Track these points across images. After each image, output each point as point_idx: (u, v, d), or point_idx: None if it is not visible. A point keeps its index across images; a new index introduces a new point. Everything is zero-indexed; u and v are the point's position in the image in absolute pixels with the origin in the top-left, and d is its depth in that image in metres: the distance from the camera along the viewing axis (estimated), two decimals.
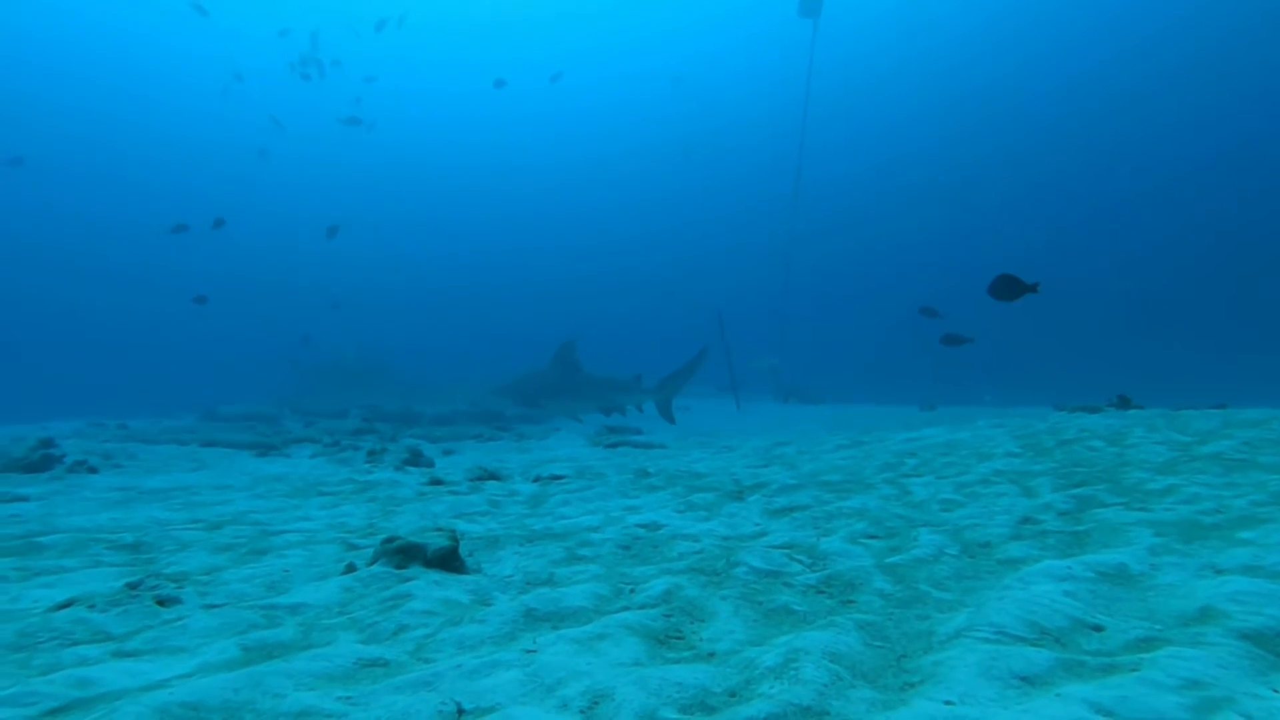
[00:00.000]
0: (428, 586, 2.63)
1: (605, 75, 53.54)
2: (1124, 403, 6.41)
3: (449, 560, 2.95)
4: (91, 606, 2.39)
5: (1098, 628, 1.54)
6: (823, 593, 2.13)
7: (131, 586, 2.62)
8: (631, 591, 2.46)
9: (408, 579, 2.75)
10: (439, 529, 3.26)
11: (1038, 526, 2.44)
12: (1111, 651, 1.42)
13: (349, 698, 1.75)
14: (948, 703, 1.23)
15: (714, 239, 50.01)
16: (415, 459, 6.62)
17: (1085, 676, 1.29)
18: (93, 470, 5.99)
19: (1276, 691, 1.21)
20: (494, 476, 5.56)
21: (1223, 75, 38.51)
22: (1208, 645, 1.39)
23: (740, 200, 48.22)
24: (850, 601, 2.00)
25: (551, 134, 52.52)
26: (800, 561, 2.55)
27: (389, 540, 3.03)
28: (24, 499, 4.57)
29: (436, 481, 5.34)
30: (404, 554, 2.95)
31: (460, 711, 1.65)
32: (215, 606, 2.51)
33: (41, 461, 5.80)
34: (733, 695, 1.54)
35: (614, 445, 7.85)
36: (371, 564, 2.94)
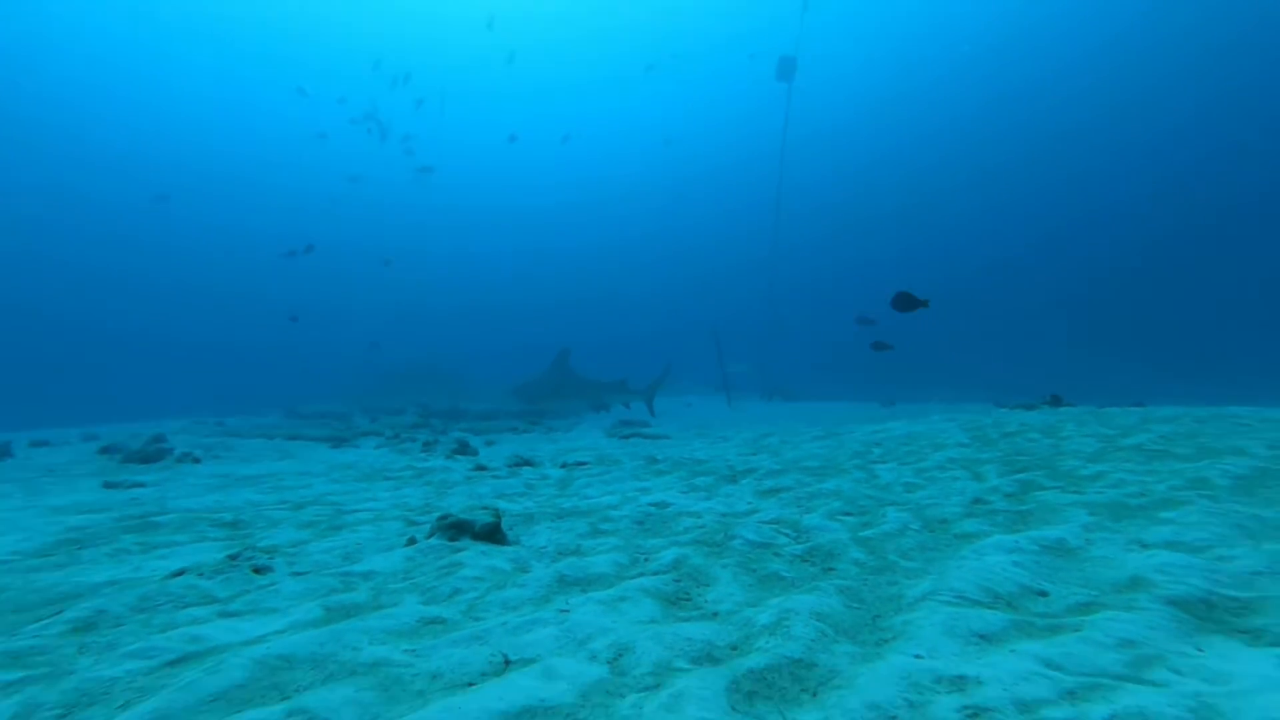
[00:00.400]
0: (476, 556, 2.63)
1: (608, 132, 54.06)
2: (1056, 401, 6.33)
3: (493, 534, 2.95)
4: (200, 574, 2.40)
5: (1043, 593, 1.51)
6: (807, 561, 2.12)
7: (232, 557, 2.64)
8: (646, 560, 2.45)
9: (459, 550, 2.75)
10: (485, 508, 3.26)
11: (987, 506, 2.40)
12: (1056, 614, 1.40)
13: (414, 650, 1.75)
14: (917, 656, 1.22)
15: (707, 262, 49.99)
16: (463, 449, 6.63)
17: (1035, 635, 1.27)
18: (196, 461, 6.03)
19: (1200, 650, 1.19)
20: (528, 463, 5.56)
21: (1144, 101, 38.02)
22: (1139, 610, 1.36)
23: (729, 230, 48.29)
24: (831, 569, 1.98)
25: (572, 178, 52.95)
26: (787, 535, 2.54)
27: (443, 517, 3.04)
28: (141, 485, 4.61)
29: (481, 468, 5.34)
30: (456, 528, 2.95)
31: (507, 662, 1.65)
32: (301, 574, 2.52)
33: (155, 454, 5.84)
34: (734, 649, 1.53)
35: (627, 437, 7.84)
36: (429, 537, 2.95)
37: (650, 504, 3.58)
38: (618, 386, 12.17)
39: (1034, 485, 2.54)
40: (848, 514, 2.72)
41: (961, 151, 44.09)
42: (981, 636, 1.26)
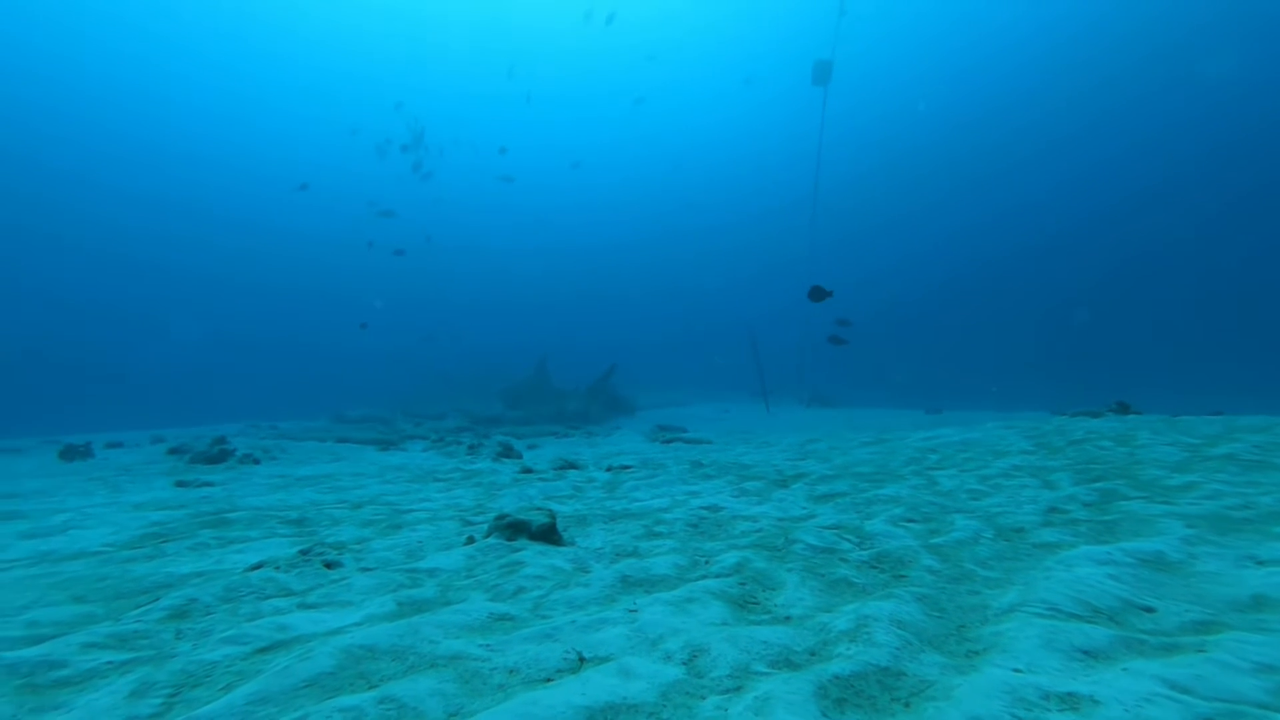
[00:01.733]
0: (535, 555, 2.67)
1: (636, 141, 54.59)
2: (1123, 408, 6.01)
3: (549, 534, 2.99)
4: (276, 568, 2.50)
5: (1149, 609, 1.43)
6: (876, 568, 2.08)
7: (303, 553, 2.74)
8: (706, 563, 2.45)
9: (518, 549, 2.79)
10: (539, 509, 3.31)
11: (1065, 515, 2.30)
12: (1168, 632, 1.31)
13: (488, 645, 1.79)
14: (1016, 670, 1.17)
15: (747, 267, 49.65)
16: (507, 452, 6.73)
17: (1148, 654, 1.19)
18: (256, 462, 6.28)
19: None
20: (574, 466, 5.61)
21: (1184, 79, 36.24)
22: (1272, 632, 1.27)
23: (768, 235, 47.97)
24: (902, 576, 1.94)
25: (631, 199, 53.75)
26: (849, 540, 2.50)
27: (500, 517, 3.09)
28: (210, 484, 4.82)
29: (527, 470, 5.41)
30: (513, 528, 3.00)
31: (581, 659, 1.67)
32: (369, 570, 2.60)
33: (219, 455, 6.11)
34: (813, 654, 1.51)
35: (669, 442, 7.83)
36: (487, 536, 3.00)
37: (702, 507, 3.57)
38: (571, 393, 13.61)
39: (1115, 495, 2.42)
40: (911, 520, 2.66)
41: (998, 149, 42.83)
42: (1086, 652, 1.20)
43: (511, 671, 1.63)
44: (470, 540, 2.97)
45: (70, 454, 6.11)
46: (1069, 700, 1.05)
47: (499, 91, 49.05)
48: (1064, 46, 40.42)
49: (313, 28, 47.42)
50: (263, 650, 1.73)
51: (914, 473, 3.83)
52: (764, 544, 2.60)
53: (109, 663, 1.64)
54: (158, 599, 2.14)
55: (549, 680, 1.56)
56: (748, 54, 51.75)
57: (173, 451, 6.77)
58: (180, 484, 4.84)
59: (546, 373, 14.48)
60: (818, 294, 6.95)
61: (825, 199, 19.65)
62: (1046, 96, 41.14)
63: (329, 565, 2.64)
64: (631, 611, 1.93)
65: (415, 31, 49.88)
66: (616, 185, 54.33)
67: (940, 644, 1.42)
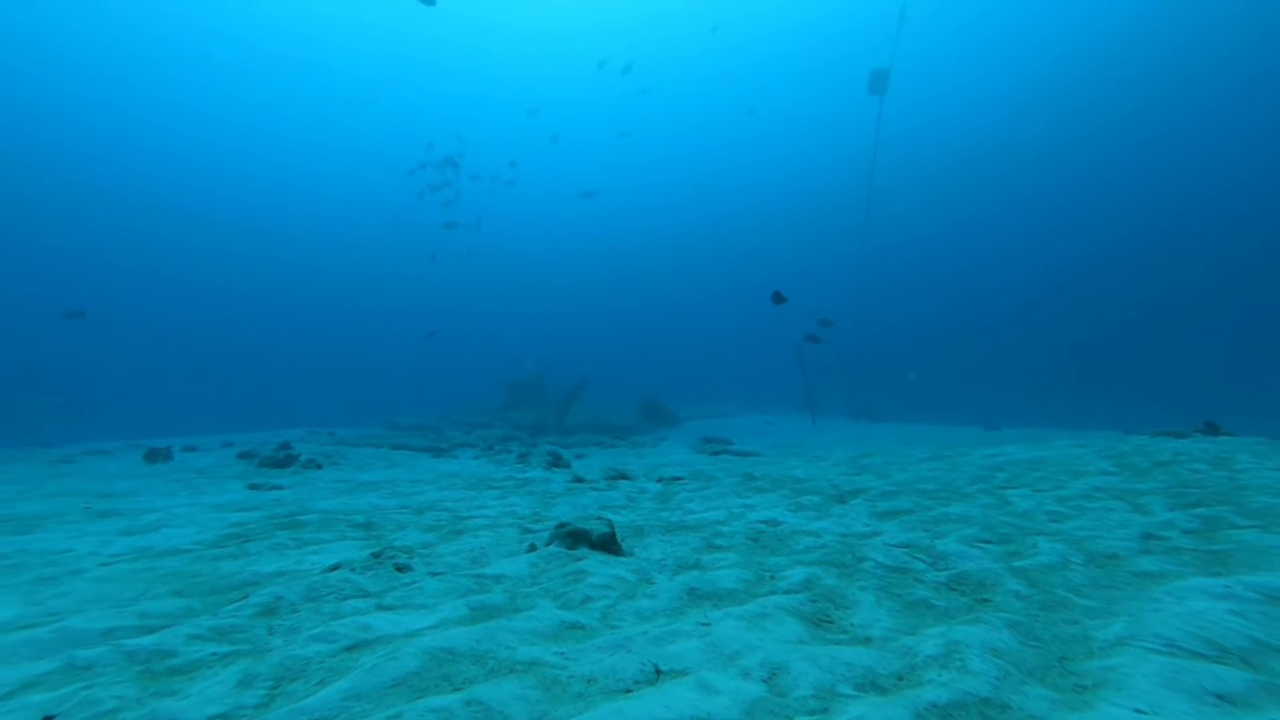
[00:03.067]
0: (597, 565, 2.69)
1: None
2: (1212, 429, 5.58)
3: (609, 544, 3.00)
4: (352, 569, 2.60)
5: None
6: (955, 590, 2.01)
7: (375, 556, 2.84)
8: (772, 578, 2.41)
9: (579, 558, 2.82)
10: (597, 518, 3.33)
11: (1165, 543, 2.16)
12: None
13: (563, 653, 1.81)
14: (1139, 711, 1.09)
15: (796, 280, 49.09)
16: (557, 461, 6.81)
17: None
18: (318, 467, 6.54)
19: None
20: (624, 476, 5.63)
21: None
22: None
23: (818, 242, 47.41)
24: (986, 600, 1.87)
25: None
26: (922, 560, 2.42)
27: (560, 526, 3.13)
28: (279, 487, 5.05)
29: (579, 480, 5.46)
30: (573, 537, 3.03)
31: (658, 671, 1.67)
32: (438, 574, 2.67)
33: (285, 460, 6.39)
34: (900, 679, 1.47)
35: (716, 454, 7.77)
36: (548, 544, 3.04)
37: (760, 521, 3.53)
38: (546, 397, 15.54)
39: (1222, 523, 2.25)
40: (987, 541, 2.55)
41: (1056, 158, 41.19)
42: (1220, 697, 1.10)
43: (589, 680, 1.64)
44: (532, 548, 3.02)
45: (153, 457, 6.51)
46: None
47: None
48: (1130, 54, 38.84)
49: (361, 40, 49.81)
50: (350, 648, 1.80)
51: (982, 491, 3.68)
52: (831, 560, 2.55)
53: (213, 654, 1.74)
54: (248, 596, 2.26)
55: (628, 691, 1.57)
56: (797, 58, 51.74)
57: (242, 456, 7.13)
58: (252, 487, 5.09)
59: (541, 380, 16.46)
60: (777, 298, 7.82)
61: (877, 207, 19.29)
62: (1112, 106, 39.47)
63: (400, 569, 2.72)
64: (704, 625, 1.92)
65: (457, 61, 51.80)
66: (658, 199, 54.82)
67: (1042, 676, 1.35)
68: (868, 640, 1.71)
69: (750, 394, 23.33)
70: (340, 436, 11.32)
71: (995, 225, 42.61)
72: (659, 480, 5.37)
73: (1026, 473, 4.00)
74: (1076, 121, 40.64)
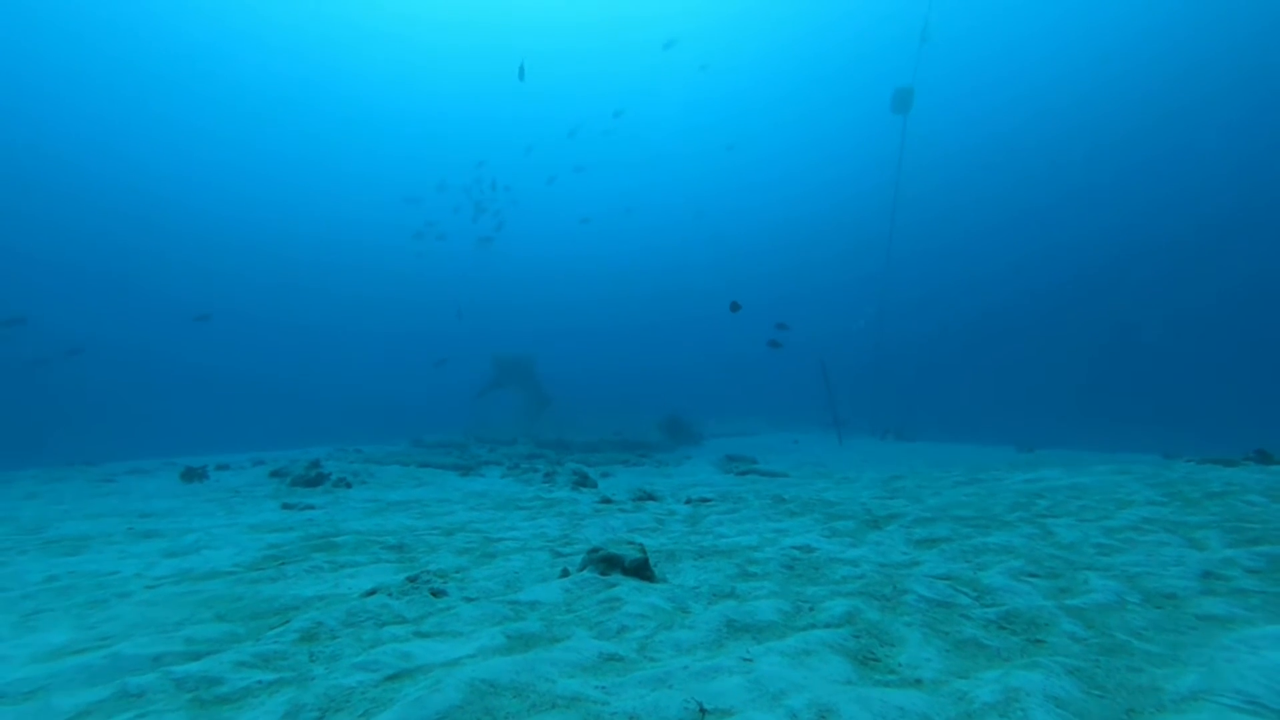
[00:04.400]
0: (631, 592, 2.67)
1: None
2: (1264, 457, 5.31)
3: (642, 569, 2.98)
4: (389, 594, 2.62)
5: None
6: (1005, 629, 1.94)
7: (411, 580, 2.86)
8: (811, 610, 2.37)
9: (613, 584, 2.80)
10: (629, 542, 3.32)
11: (1228, 583, 2.06)
12: None
13: (603, 688, 1.80)
14: None
15: (820, 298, 48.78)
16: (583, 481, 6.81)
17: None
18: (348, 485, 6.63)
19: None
20: (651, 497, 5.60)
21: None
22: None
23: (840, 257, 47.21)
24: (1039, 641, 1.81)
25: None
26: (966, 594, 2.35)
27: (593, 550, 3.12)
28: (312, 507, 5.13)
29: (606, 500, 5.45)
30: (606, 562, 3.02)
31: (702, 710, 1.64)
32: (472, 599, 2.67)
33: (316, 479, 6.49)
34: None
35: (743, 473, 7.69)
36: (581, 569, 3.03)
37: (793, 547, 3.47)
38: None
39: None
40: (1034, 575, 2.48)
41: (1077, 173, 40.55)
42: None
43: (632, 718, 1.62)
44: (565, 573, 3.01)
45: (190, 476, 6.68)
46: None
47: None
48: (1157, 63, 38.34)
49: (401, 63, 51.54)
50: (391, 678, 1.81)
51: (1023, 520, 3.58)
52: (870, 592, 2.49)
53: (259, 682, 1.76)
54: (289, 621, 2.29)
55: None
56: (822, 71, 52.16)
57: (274, 475, 7.27)
58: (286, 506, 5.18)
59: (533, 365, 17.41)
60: (734, 307, 8.48)
61: (902, 221, 19.13)
62: (1153, 104, 38.76)
63: (435, 594, 2.73)
64: (746, 660, 1.89)
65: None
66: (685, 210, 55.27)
67: None
68: (918, 682, 1.67)
69: (774, 411, 23.12)
70: (367, 454, 11.48)
71: (1024, 235, 41.93)
72: (687, 502, 5.33)
73: (1069, 500, 3.88)
74: (1111, 124, 40.03)
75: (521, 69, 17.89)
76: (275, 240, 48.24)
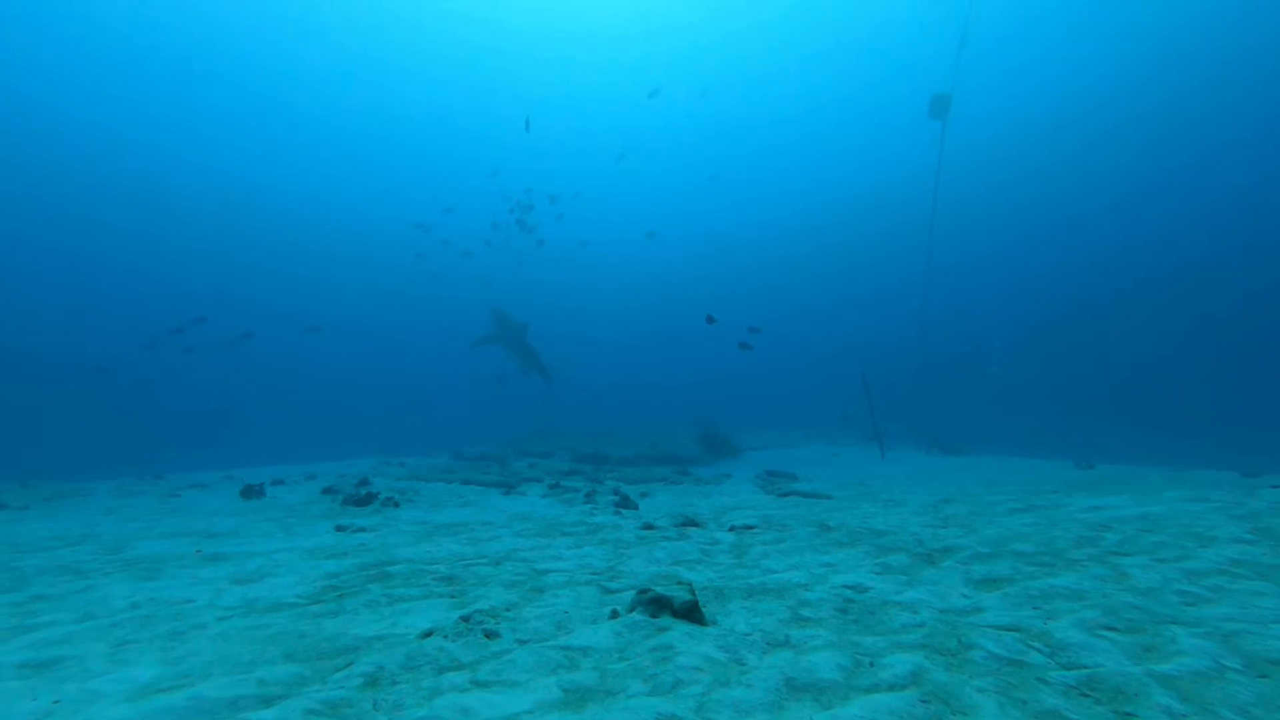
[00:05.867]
0: (683, 638, 2.63)
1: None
2: None
3: (692, 612, 2.95)
4: (445, 636, 2.65)
5: None
6: (1089, 697, 1.83)
7: (464, 619, 2.89)
8: (871, 665, 2.29)
9: (663, 628, 2.77)
10: (680, 582, 3.28)
11: None
12: None
13: None
14: None
15: (860, 308, 47.86)
16: (624, 502, 6.81)
17: None
18: (395, 505, 6.77)
19: None
20: (694, 523, 5.55)
21: None
22: None
23: (878, 267, 46.37)
24: (1129, 716, 1.70)
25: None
26: (1039, 651, 2.24)
27: (643, 591, 3.09)
28: (364, 529, 5.26)
29: (649, 527, 5.42)
30: (656, 604, 2.99)
31: None
32: (525, 642, 2.68)
33: (365, 497, 6.66)
34: None
35: (785, 495, 7.56)
36: (630, 611, 3.01)
37: (845, 586, 3.38)
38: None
39: None
40: (1111, 629, 2.34)
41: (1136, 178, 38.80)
42: None
43: None
44: (615, 614, 2.99)
45: (249, 493, 6.95)
46: None
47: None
48: (1199, 63, 36.65)
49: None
50: None
51: (1091, 558, 3.40)
52: (933, 645, 2.40)
53: None
54: (351, 663, 2.34)
55: None
56: (860, 82, 51.64)
57: (326, 491, 7.50)
58: (339, 529, 5.33)
59: (526, 332, 17.71)
60: (709, 320, 9.16)
61: (943, 223, 18.62)
62: (1198, 109, 37.06)
63: (489, 635, 2.75)
64: None
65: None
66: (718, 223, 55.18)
67: None
68: None
69: (812, 420, 22.73)
70: (411, 468, 11.75)
71: (1079, 236, 40.28)
72: (730, 529, 5.26)
73: (1141, 535, 3.66)
74: (1171, 119, 38.32)
75: (528, 121, 18.65)
76: (320, 254, 50.10)
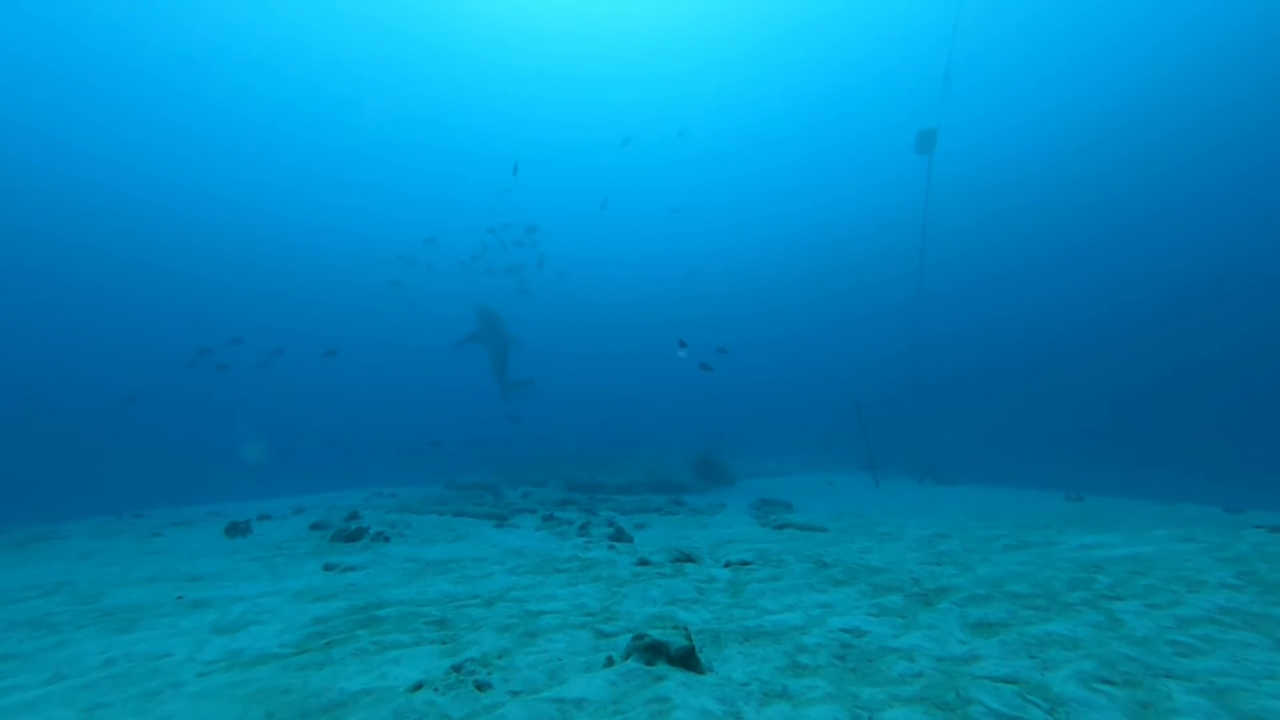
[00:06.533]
0: (679, 689, 2.60)
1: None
2: None
3: (688, 659, 2.91)
4: (435, 690, 2.60)
5: None
6: None
7: (455, 669, 2.84)
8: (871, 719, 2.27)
9: (659, 678, 2.73)
10: (675, 626, 3.25)
11: None
12: None
13: None
14: None
15: (849, 332, 48.25)
16: (619, 535, 6.74)
17: None
18: (386, 540, 6.67)
19: None
20: (689, 558, 5.50)
21: None
22: None
23: (872, 293, 46.95)
24: None
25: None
26: (1038, 706, 2.22)
27: (638, 637, 3.05)
28: (353, 568, 5.17)
29: (644, 562, 5.36)
30: (652, 651, 2.95)
31: None
32: (517, 694, 2.63)
33: (355, 533, 6.56)
34: None
35: (781, 527, 7.51)
36: (625, 658, 2.97)
37: (843, 630, 3.35)
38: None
39: None
40: (1108, 682, 2.33)
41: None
42: None
43: None
44: (610, 661, 2.95)
45: (234, 531, 6.83)
46: None
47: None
48: (1195, 92, 38.03)
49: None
50: None
51: (1085, 602, 3.39)
52: (931, 698, 2.38)
53: None
54: None
55: None
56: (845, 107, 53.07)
57: (314, 527, 7.38)
58: (327, 568, 5.23)
59: (503, 325, 18.26)
60: (681, 344, 9.64)
61: (932, 252, 18.95)
62: (1191, 144, 38.28)
63: (480, 686, 2.70)
64: None
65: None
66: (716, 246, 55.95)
67: None
68: None
69: (806, 446, 22.71)
70: (402, 499, 11.60)
71: (1070, 268, 40.98)
72: (726, 565, 5.22)
73: (1132, 578, 3.67)
74: (1160, 152, 39.47)
75: (515, 166, 19.67)
76: (313, 283, 50.11)
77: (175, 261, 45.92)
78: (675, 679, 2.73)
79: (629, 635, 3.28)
